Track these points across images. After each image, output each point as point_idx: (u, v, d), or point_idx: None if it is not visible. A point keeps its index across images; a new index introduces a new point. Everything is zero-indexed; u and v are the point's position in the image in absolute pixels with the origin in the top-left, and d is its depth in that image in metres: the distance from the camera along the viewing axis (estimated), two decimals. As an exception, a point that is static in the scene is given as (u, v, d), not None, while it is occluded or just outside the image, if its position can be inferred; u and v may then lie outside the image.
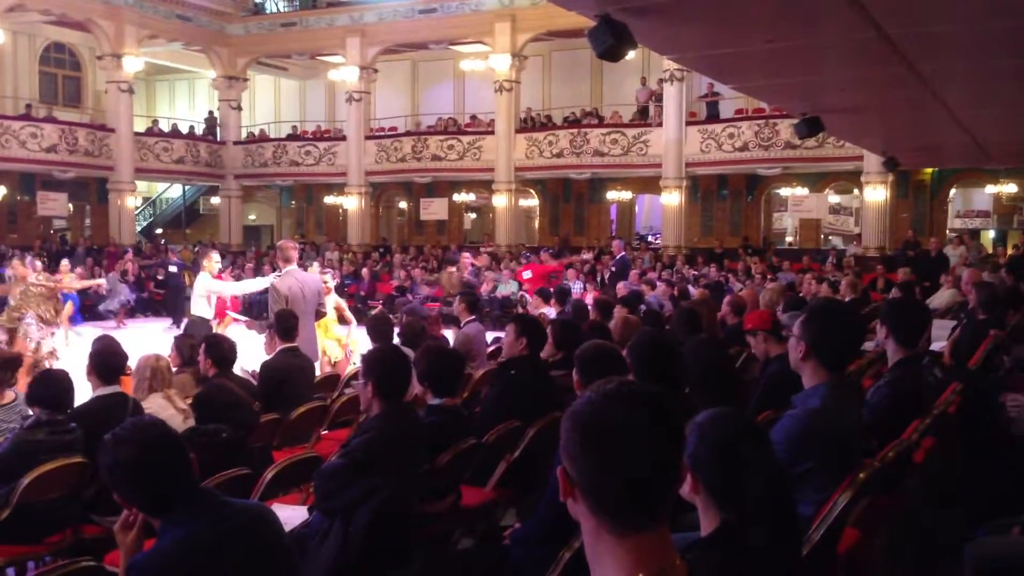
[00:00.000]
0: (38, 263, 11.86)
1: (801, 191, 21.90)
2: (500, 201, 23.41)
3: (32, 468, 4.14)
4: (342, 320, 10.27)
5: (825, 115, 8.31)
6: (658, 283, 15.38)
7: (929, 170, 20.07)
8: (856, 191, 21.90)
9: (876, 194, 19.55)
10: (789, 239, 25.81)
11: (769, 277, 16.15)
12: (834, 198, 24.10)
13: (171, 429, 2.66)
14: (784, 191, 23.06)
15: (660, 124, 21.47)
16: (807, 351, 3.13)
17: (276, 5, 27.93)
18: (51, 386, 4.48)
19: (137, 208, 26.89)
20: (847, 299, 10.15)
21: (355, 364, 9.00)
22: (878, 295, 14.05)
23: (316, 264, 9.80)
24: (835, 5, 4.44)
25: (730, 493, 2.01)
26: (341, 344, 10.01)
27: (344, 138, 25.41)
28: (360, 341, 9.47)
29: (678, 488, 1.52)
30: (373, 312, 13.52)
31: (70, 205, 24.31)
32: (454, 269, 17.47)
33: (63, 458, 4.27)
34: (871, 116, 8.85)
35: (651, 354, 3.68)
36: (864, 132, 11.16)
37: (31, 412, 4.64)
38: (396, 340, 6.72)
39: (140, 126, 25.29)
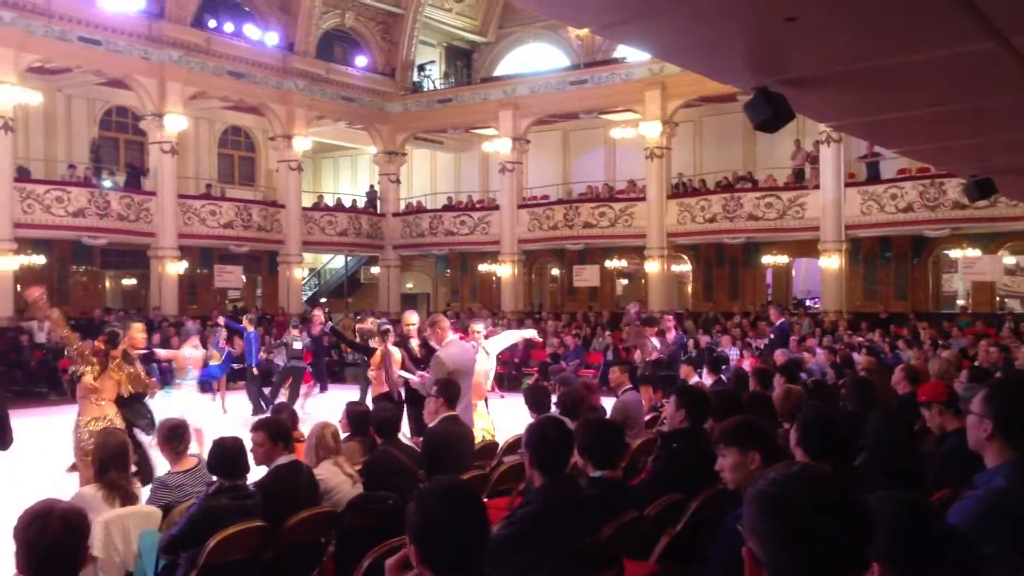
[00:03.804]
0: None
1: (973, 252, 20.82)
2: (652, 267, 23.34)
3: (216, 532, 4.40)
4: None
5: (998, 176, 7.93)
6: (818, 350, 14.90)
7: (1114, 227, 18.75)
8: (1034, 251, 20.66)
9: (1057, 254, 18.37)
10: (960, 303, 24.48)
11: (940, 343, 15.35)
12: (1010, 259, 22.77)
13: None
14: (954, 253, 21.98)
15: (817, 186, 20.98)
16: (993, 431, 2.97)
17: (433, 83, 29.21)
18: (225, 456, 4.71)
19: (303, 279, 28.30)
20: (1028, 367, 9.56)
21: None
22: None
23: (482, 325, 9.78)
24: (1005, 66, 4.30)
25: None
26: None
27: (497, 207, 26.05)
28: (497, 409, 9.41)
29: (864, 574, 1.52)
30: (529, 381, 13.56)
31: (243, 277, 25.83)
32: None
33: (244, 522, 4.51)
34: (1049, 175, 8.40)
35: (823, 431, 3.58)
36: (1042, 191, 10.58)
37: (213, 477, 4.91)
38: (553, 409, 6.77)
39: (307, 201, 26.76)
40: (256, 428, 5.13)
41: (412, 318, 9.96)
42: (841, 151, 20.53)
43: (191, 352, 10.26)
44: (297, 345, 15.06)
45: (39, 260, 21.93)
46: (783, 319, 15.73)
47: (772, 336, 15.61)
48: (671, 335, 13.86)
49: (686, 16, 3.87)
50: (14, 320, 19.46)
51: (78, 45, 20.30)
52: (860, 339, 17.56)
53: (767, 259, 24.26)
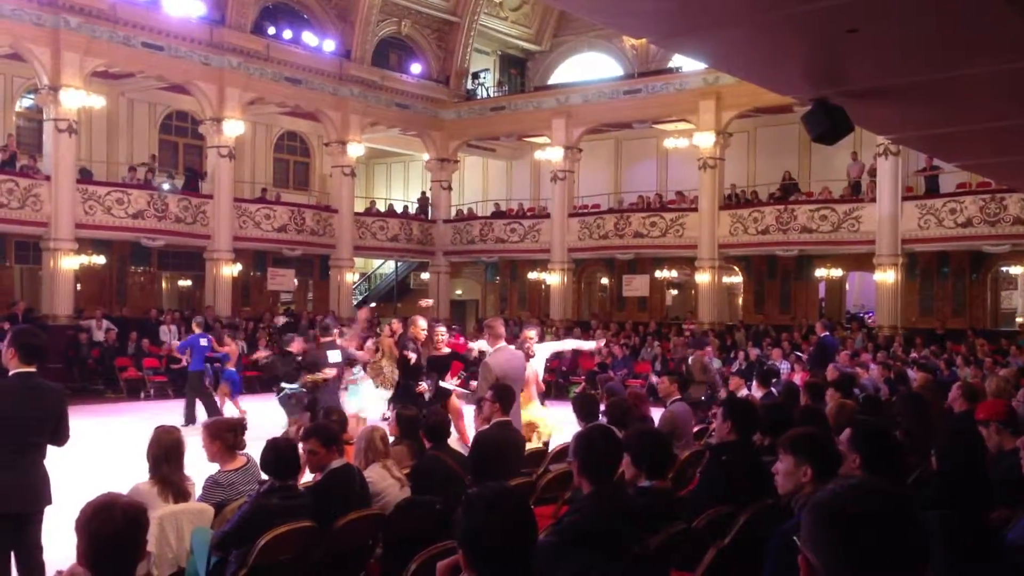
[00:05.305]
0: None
1: (1033, 269, 20.36)
2: (703, 278, 23.16)
3: (267, 531, 4.46)
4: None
5: (1062, 191, 7.75)
6: (872, 365, 14.66)
7: None
8: (1098, 269, 20.11)
9: (1122, 273, 17.87)
10: (1020, 320, 23.92)
11: (999, 362, 15.02)
12: (1072, 277, 22.20)
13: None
14: (1014, 269, 21.48)
15: (873, 199, 20.67)
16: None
17: (487, 91, 29.34)
18: (279, 456, 4.78)
19: (354, 283, 28.55)
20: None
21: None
22: None
23: (535, 332, 9.81)
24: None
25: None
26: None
27: (548, 215, 26.06)
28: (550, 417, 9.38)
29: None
30: (576, 390, 13.53)
31: (296, 280, 26.15)
32: (703, 353, 15.86)
33: (294, 522, 4.57)
34: (1116, 191, 8.18)
35: (878, 446, 3.54)
36: (1107, 207, 10.30)
37: (263, 476, 4.98)
38: (602, 418, 6.75)
39: (359, 207, 27.04)
40: (308, 436, 5.19)
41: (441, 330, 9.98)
42: (899, 164, 20.22)
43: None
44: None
45: (99, 260, 22.43)
46: (826, 333, 15.49)
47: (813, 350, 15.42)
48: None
49: (746, 28, 3.85)
50: (73, 318, 19.93)
51: (141, 51, 20.75)
52: (916, 355, 17.23)
53: (820, 272, 23.92)
